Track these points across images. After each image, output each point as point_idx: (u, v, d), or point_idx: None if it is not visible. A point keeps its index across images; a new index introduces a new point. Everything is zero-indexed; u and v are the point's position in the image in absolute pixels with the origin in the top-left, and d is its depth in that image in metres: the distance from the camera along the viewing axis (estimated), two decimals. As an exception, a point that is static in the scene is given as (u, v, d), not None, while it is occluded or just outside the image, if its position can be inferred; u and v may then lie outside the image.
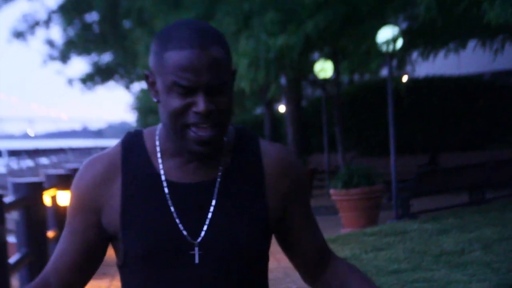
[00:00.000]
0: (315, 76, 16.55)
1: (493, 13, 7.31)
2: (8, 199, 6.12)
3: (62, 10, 25.73)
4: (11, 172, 40.07)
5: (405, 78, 16.66)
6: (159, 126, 1.67)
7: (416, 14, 11.23)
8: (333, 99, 16.14)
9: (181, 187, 1.59)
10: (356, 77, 21.21)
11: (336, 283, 1.74)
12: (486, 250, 7.52)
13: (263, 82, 13.96)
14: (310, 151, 20.15)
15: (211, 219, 1.57)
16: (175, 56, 1.51)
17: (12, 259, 6.04)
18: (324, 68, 15.59)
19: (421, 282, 6.47)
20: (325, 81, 16.70)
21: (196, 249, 1.56)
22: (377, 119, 16.78)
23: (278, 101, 24.14)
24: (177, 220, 1.57)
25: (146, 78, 1.61)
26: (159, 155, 1.62)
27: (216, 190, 1.59)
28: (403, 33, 11.22)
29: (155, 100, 1.59)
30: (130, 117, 58.89)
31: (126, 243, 1.59)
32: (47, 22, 26.39)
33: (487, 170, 12.32)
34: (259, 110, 29.30)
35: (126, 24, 24.46)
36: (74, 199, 1.66)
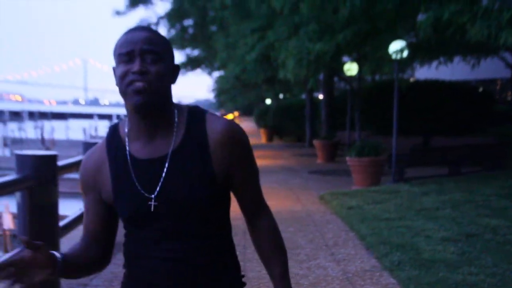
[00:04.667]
0: (344, 74, 16.39)
1: (473, 31, 7.13)
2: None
3: (168, 16, 26.01)
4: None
5: (411, 80, 16.40)
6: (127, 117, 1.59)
7: (418, 33, 10.97)
8: (356, 91, 16.02)
9: (142, 162, 1.52)
10: (377, 77, 21.06)
11: (256, 238, 1.66)
12: (454, 209, 7.45)
13: (305, 76, 13.89)
14: (336, 128, 19.89)
15: (162, 181, 1.50)
16: (120, 39, 1.49)
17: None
18: (350, 68, 15.41)
19: (403, 228, 6.46)
20: (351, 78, 16.59)
21: (152, 201, 1.50)
22: (386, 108, 16.52)
23: (317, 91, 24.14)
24: (138, 187, 1.51)
25: (113, 72, 1.52)
26: (126, 139, 1.56)
27: (167, 162, 1.50)
28: (409, 46, 10.99)
29: (117, 85, 1.50)
30: (210, 96, 59.30)
31: (118, 210, 1.57)
32: (157, 24, 26.65)
33: (463, 151, 12.16)
34: (303, 96, 29.17)
35: (212, 28, 24.54)
36: (81, 183, 1.64)
